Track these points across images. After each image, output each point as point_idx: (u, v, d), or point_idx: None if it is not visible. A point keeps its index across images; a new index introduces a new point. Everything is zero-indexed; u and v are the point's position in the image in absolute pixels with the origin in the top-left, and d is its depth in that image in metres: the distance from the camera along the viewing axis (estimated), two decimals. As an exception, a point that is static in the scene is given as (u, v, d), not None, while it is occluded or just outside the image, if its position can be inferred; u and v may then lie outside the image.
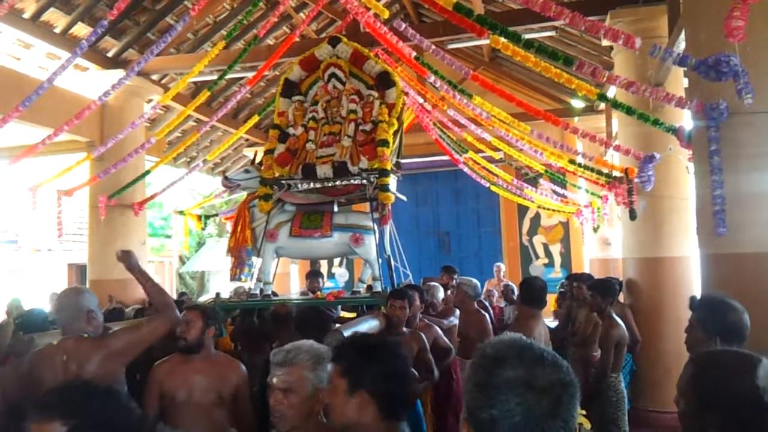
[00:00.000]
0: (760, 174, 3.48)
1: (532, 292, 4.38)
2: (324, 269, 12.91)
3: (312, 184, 5.31)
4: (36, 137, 7.56)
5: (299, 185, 5.34)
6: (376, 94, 5.44)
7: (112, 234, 8.96)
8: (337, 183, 5.24)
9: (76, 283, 17.57)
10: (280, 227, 5.31)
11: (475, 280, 6.19)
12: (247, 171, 5.63)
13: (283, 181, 5.34)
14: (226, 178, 5.69)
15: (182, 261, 22.71)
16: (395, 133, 5.39)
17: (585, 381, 5.30)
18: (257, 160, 5.74)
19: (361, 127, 5.36)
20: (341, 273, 13.22)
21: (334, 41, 5.61)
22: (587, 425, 1.36)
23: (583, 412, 1.31)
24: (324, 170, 5.20)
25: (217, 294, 5.59)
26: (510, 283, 9.28)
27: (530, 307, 4.37)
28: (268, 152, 5.49)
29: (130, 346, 3.11)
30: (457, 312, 5.87)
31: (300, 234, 5.26)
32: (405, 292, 4.61)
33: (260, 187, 5.40)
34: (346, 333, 3.37)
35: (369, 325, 3.98)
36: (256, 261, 5.42)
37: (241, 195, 6.00)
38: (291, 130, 5.54)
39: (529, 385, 1.19)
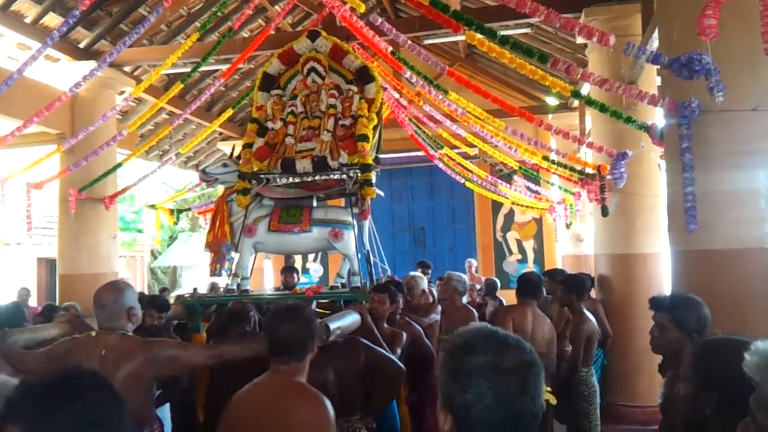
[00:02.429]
0: (730, 172, 3.53)
1: (523, 283, 5.19)
2: (298, 264, 12.90)
3: (291, 179, 5.26)
4: (5, 129, 7.41)
5: (278, 180, 5.29)
6: (355, 88, 5.41)
7: (82, 228, 8.85)
8: (317, 178, 5.21)
9: (46, 278, 17.31)
10: (259, 222, 5.26)
11: (464, 276, 6.23)
12: (225, 165, 5.56)
13: (262, 176, 5.29)
14: (204, 172, 5.62)
15: (154, 256, 22.49)
16: (374, 128, 5.36)
17: (558, 375, 5.37)
18: (235, 154, 5.69)
19: (340, 122, 5.32)
20: (316, 268, 13.16)
21: (313, 35, 5.57)
22: (553, 401, 1.46)
23: (549, 389, 1.40)
24: (303, 165, 5.16)
25: (194, 289, 5.52)
26: (493, 278, 9.32)
27: (523, 297, 5.13)
28: (247, 146, 5.43)
29: (172, 360, 3.01)
30: (440, 308, 5.87)
31: (279, 229, 5.21)
32: (387, 287, 4.62)
33: (238, 181, 5.33)
34: (332, 325, 3.34)
35: (352, 318, 3.90)
36: (235, 256, 5.37)
37: (216, 189, 5.95)
38: (270, 124, 5.48)
39: (497, 368, 1.29)
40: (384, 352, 3.84)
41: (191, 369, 3.40)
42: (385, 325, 4.47)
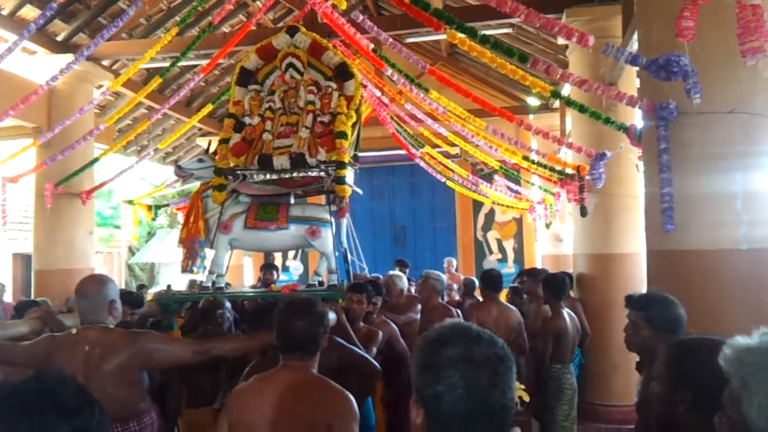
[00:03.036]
0: (708, 174, 3.54)
1: (486, 279, 5.75)
2: (278, 262, 12.82)
3: (268, 176, 5.23)
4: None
5: (255, 176, 5.25)
6: (334, 85, 5.39)
7: (58, 223, 8.72)
8: (294, 175, 5.18)
9: (21, 274, 17.06)
10: (235, 219, 5.23)
11: (442, 275, 6.20)
12: (200, 160, 5.52)
13: (239, 172, 5.25)
14: (178, 167, 5.57)
15: (132, 252, 22.27)
16: (353, 125, 5.34)
17: (532, 371, 5.42)
18: (212, 150, 5.63)
19: (319, 119, 5.30)
20: (296, 266, 13.11)
21: (292, 30, 5.53)
22: (526, 397, 1.49)
23: (522, 386, 1.42)
24: (281, 161, 5.13)
25: (168, 286, 5.47)
26: (471, 277, 9.32)
27: (487, 291, 5.68)
28: (223, 141, 5.40)
29: (156, 353, 2.96)
30: (419, 307, 5.82)
31: (255, 226, 5.18)
32: (364, 286, 4.58)
33: (214, 177, 5.29)
34: None
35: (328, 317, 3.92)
36: (209, 253, 5.33)
37: (194, 185, 5.88)
38: (247, 120, 5.45)
39: (468, 360, 1.31)
40: (358, 351, 3.80)
41: (176, 364, 3.30)
42: (361, 323, 4.45)
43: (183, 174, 5.54)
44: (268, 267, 8.11)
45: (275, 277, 7.84)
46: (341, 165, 5.05)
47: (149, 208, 9.96)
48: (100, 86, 9.40)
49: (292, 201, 5.54)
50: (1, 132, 8.70)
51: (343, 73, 5.41)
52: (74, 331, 2.95)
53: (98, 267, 13.63)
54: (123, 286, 18.53)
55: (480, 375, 1.30)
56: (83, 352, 2.83)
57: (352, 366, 3.64)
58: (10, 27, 7.94)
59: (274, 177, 5.24)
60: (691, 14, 2.73)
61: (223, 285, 5.29)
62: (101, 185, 9.49)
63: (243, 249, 5.96)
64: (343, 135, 5.09)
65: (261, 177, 5.26)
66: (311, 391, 2.46)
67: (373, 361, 3.87)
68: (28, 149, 7.92)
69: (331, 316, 3.88)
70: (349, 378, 3.58)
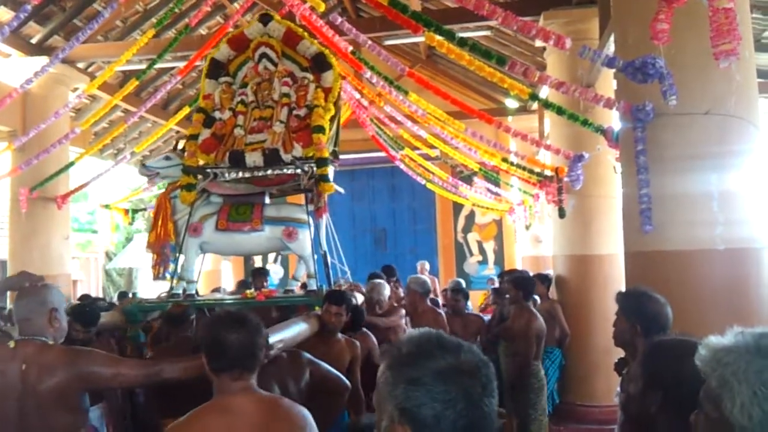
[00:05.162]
0: (684, 174, 3.58)
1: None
2: (258, 265, 12.72)
3: (241, 174, 4.89)
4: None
5: (226, 174, 4.91)
6: (311, 76, 5.07)
7: (33, 228, 8.59)
8: (269, 172, 4.84)
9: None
10: (205, 220, 4.90)
11: (423, 277, 6.13)
12: (167, 158, 5.17)
13: (208, 170, 4.90)
14: (143, 165, 5.25)
15: (109, 257, 22.02)
16: (332, 119, 5.01)
17: (516, 372, 5.45)
18: (180, 147, 5.29)
19: (294, 112, 4.96)
20: (276, 270, 13.01)
21: (265, 19, 5.18)
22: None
23: None
24: (254, 158, 4.78)
25: (133, 294, 5.17)
26: (458, 279, 9.28)
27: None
28: (192, 138, 5.03)
29: (99, 376, 2.70)
30: (403, 312, 5.71)
31: (227, 228, 4.87)
32: (343, 297, 4.27)
33: (182, 176, 4.92)
34: (273, 338, 2.99)
35: (298, 328, 3.61)
36: (180, 257, 5.03)
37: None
38: (217, 114, 5.10)
39: (461, 371, 1.23)
40: (327, 367, 3.59)
41: (123, 386, 3.06)
42: (340, 335, 4.22)
43: (149, 173, 5.21)
44: (259, 272, 7.77)
45: (267, 283, 7.51)
46: (322, 162, 4.71)
47: (126, 212, 9.84)
48: (76, 89, 9.29)
49: (267, 201, 5.24)
50: (-26, 136, 8.57)
51: (320, 64, 5.09)
52: (12, 344, 2.67)
53: (75, 272, 13.47)
54: (100, 293, 18.32)
55: (475, 385, 1.23)
56: (20, 370, 2.58)
57: (321, 383, 3.47)
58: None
59: (247, 175, 4.90)
60: (666, 17, 2.75)
61: (193, 292, 4.96)
62: (77, 189, 9.36)
63: (215, 253, 5.52)
64: (320, 129, 4.75)
65: (233, 175, 4.92)
66: (274, 416, 2.20)
67: (343, 377, 3.68)
68: (1, 153, 7.79)
69: (302, 327, 3.69)
70: (318, 395, 3.44)
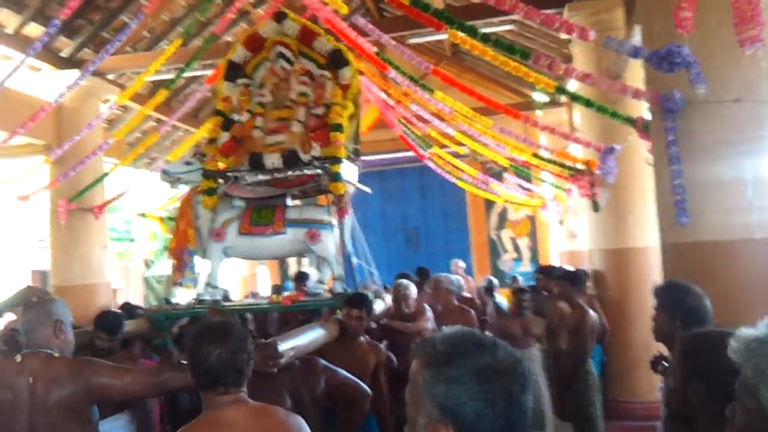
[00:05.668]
0: (716, 162, 3.50)
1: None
2: (293, 268, 12.72)
3: (261, 176, 4.83)
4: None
5: (247, 177, 4.85)
6: (328, 74, 4.97)
7: (73, 239, 8.76)
8: (289, 173, 4.76)
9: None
10: (228, 225, 4.82)
11: (453, 276, 6.04)
12: (188, 163, 5.11)
13: (229, 174, 4.87)
14: (164, 171, 5.22)
15: (147, 265, 22.36)
16: (351, 117, 4.94)
17: (558, 370, 5.33)
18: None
19: (312, 111, 4.88)
20: (312, 273, 12.99)
21: (279, 17, 5.11)
22: None
23: None
24: (272, 159, 4.72)
25: (167, 301, 5.03)
26: (490, 277, 9.19)
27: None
28: (211, 142, 5.02)
29: (105, 386, 2.68)
30: (429, 313, 5.54)
31: (250, 231, 4.79)
32: (363, 300, 4.16)
33: (203, 180, 4.89)
34: (283, 346, 2.91)
35: (313, 334, 3.48)
36: (199, 263, 4.97)
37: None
38: (236, 117, 5.03)
39: (499, 370, 1.24)
40: (345, 374, 3.45)
41: (129, 398, 3.01)
42: (362, 338, 4.10)
43: (170, 178, 5.14)
44: (300, 276, 7.59)
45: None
46: (335, 160, 4.64)
47: (162, 220, 9.97)
48: (107, 101, 9.45)
49: (289, 203, 5.14)
50: (11, 150, 8.74)
51: (337, 61, 4.97)
52: (18, 358, 2.67)
53: (115, 281, 13.71)
54: (141, 301, 18.61)
55: (513, 383, 1.25)
56: (28, 384, 2.58)
57: (339, 390, 3.36)
58: (15, 45, 8.00)
59: (267, 177, 4.83)
60: (689, 5, 2.68)
61: (219, 297, 4.91)
62: (113, 199, 9.52)
63: (239, 257, 5.41)
64: (338, 127, 4.68)
65: (252, 178, 4.86)
66: (267, 427, 2.14)
67: (362, 384, 3.54)
68: (39, 166, 7.96)
69: (318, 333, 3.56)
70: (338, 403, 3.37)
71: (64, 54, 8.84)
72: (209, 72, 8.79)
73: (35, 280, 17.50)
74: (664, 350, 3.00)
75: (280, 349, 2.85)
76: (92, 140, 8.36)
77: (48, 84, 8.57)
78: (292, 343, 3.09)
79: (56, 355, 2.71)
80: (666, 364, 2.88)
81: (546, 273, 7.08)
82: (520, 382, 1.25)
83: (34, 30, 8.19)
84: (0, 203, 8.14)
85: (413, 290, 5.61)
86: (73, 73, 7.63)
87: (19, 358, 2.67)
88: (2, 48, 8.16)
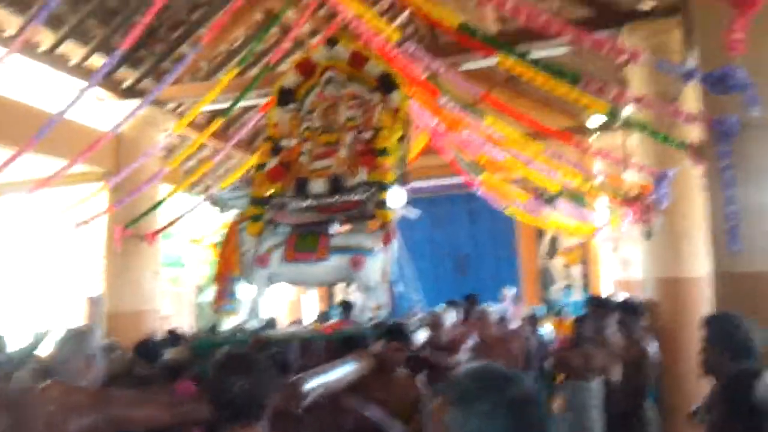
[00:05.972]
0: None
1: None
2: (339, 295, 12.72)
3: (306, 202, 4.81)
4: (51, 169, 7.60)
5: (293, 203, 4.84)
6: (377, 98, 4.98)
7: (126, 264, 8.96)
8: (335, 199, 4.73)
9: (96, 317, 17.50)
10: (273, 251, 4.77)
11: (497, 305, 5.94)
12: (235, 189, 5.15)
13: (275, 201, 4.85)
14: (212, 197, 5.27)
15: (200, 291, 22.69)
16: (400, 140, 4.91)
17: (611, 406, 5.11)
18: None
19: (360, 135, 4.88)
20: (356, 299, 12.98)
21: (331, 42, 5.16)
22: None
23: None
24: (318, 185, 4.72)
25: (213, 327, 4.97)
26: (534, 308, 9.05)
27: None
28: (260, 167, 5.04)
29: (125, 418, 2.62)
30: (470, 343, 5.37)
31: (295, 258, 4.72)
32: (402, 331, 4.05)
33: (249, 206, 4.89)
34: (308, 385, 2.74)
35: (345, 369, 3.22)
36: (241, 290, 4.92)
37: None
38: (285, 143, 5.06)
39: (526, 400, 1.30)
40: (380, 415, 3.26)
41: (151, 429, 2.93)
42: (400, 372, 3.88)
43: (218, 204, 5.15)
44: (346, 304, 7.51)
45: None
46: (382, 186, 4.57)
47: (215, 245, 10.13)
48: (165, 129, 9.72)
49: (335, 229, 5.05)
50: (70, 178, 9.04)
51: (386, 84, 4.97)
52: (41, 386, 2.64)
53: (166, 307, 13.95)
54: (192, 326, 18.83)
55: (535, 411, 1.31)
56: (47, 413, 2.53)
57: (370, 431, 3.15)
58: (80, 75, 8.32)
59: (314, 203, 4.80)
60: (740, 26, 2.62)
61: (262, 325, 4.86)
62: (167, 226, 9.72)
63: (284, 283, 5.29)
64: (384, 152, 4.65)
65: (298, 204, 4.83)
66: None
67: (396, 425, 3.34)
68: (97, 194, 8.20)
69: (350, 368, 3.31)
70: None
71: (126, 84, 9.15)
72: (264, 101, 8.97)
73: (90, 306, 17.89)
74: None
75: (305, 389, 2.73)
76: (149, 168, 8.60)
77: (110, 114, 8.87)
78: (320, 381, 2.91)
79: (81, 384, 2.73)
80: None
81: (600, 304, 6.88)
82: (539, 411, 1.33)
83: (98, 61, 8.53)
84: (58, 230, 8.32)
85: (448, 318, 5.52)
86: (133, 103, 7.87)
87: (41, 386, 2.66)
88: (67, 78, 8.51)
